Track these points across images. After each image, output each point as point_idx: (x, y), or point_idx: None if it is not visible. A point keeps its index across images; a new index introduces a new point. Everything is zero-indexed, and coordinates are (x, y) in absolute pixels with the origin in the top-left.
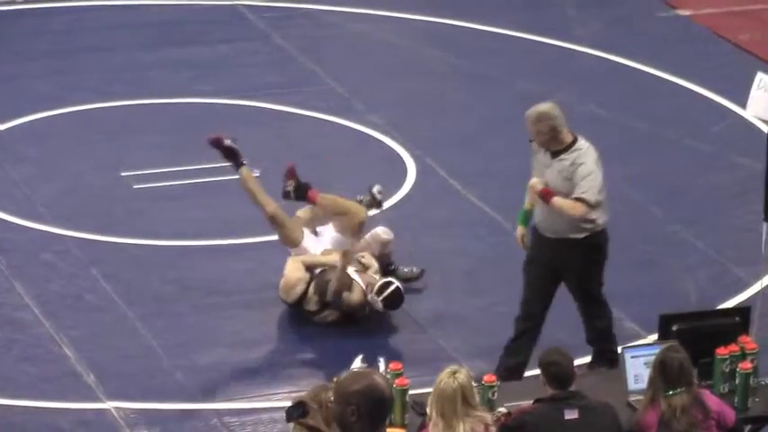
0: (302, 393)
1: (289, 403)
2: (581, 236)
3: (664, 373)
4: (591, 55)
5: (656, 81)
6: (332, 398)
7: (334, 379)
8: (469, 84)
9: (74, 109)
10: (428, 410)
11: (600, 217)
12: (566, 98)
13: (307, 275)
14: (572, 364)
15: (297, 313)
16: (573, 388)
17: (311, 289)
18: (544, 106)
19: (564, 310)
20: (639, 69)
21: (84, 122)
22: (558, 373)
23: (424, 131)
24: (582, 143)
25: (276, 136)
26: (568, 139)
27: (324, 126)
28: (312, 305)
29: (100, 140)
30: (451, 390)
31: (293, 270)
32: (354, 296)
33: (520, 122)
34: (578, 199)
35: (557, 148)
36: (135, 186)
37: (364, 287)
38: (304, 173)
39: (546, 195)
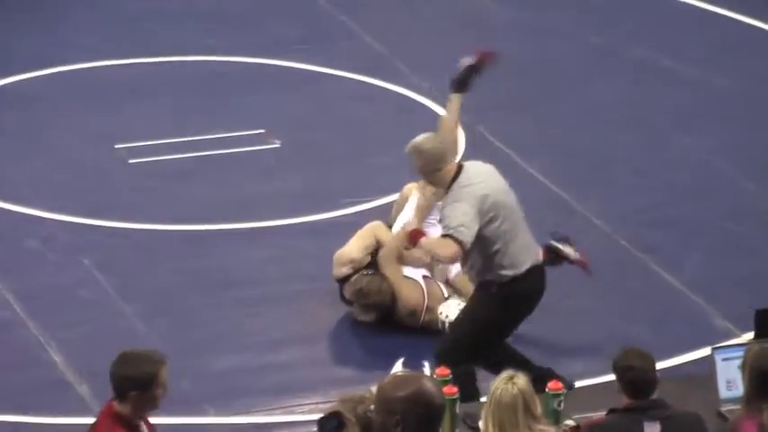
0: (334, 404)
1: (318, 416)
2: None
3: (762, 382)
4: (671, 1)
5: (751, 31)
6: (372, 407)
7: (375, 386)
8: (531, 39)
9: (59, 69)
10: (482, 424)
11: (508, 264)
12: (641, 53)
13: (364, 259)
14: (654, 367)
15: (332, 308)
16: (654, 396)
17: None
18: (419, 140)
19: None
20: (731, 17)
21: (71, 86)
22: (637, 380)
23: (477, 95)
24: (463, 178)
25: (302, 101)
26: (448, 177)
27: (359, 89)
28: (348, 294)
29: (90, 107)
30: (510, 397)
31: (354, 247)
32: (404, 302)
33: (590, 83)
34: (445, 236)
35: (440, 187)
36: (131, 161)
37: (425, 294)
38: (336, 143)
39: (414, 237)
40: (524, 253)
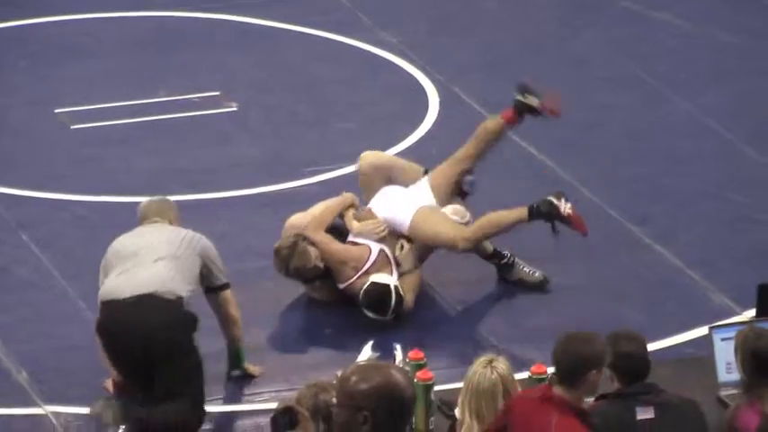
0: (293, 394)
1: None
2: None
3: (761, 365)
4: None
5: None
6: (334, 400)
7: (337, 375)
8: None
9: None
10: (458, 412)
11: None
12: (631, 5)
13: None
14: (646, 349)
15: (293, 288)
16: (647, 380)
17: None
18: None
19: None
20: None
21: (4, 45)
22: (631, 365)
23: (449, 52)
24: None
25: (260, 59)
26: None
27: (323, 46)
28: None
29: (26, 68)
30: (489, 383)
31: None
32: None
33: (568, 40)
34: None
35: None
36: (73, 127)
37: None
38: (298, 106)
39: None
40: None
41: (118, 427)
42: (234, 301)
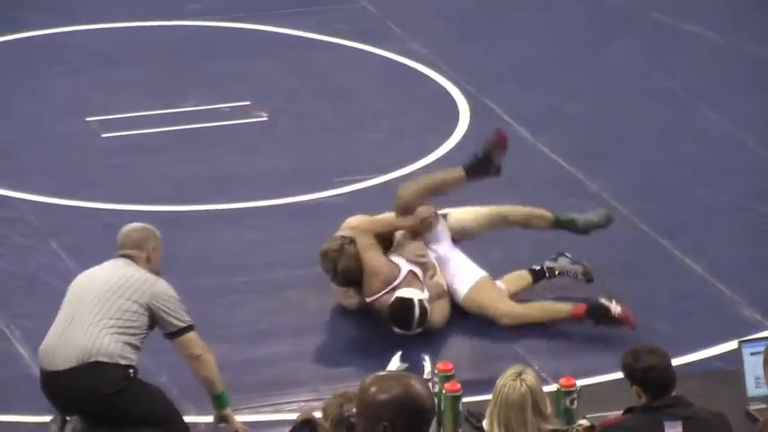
0: (319, 404)
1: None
2: None
3: None
4: None
5: None
6: (354, 410)
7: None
8: (541, 2)
9: (25, 35)
10: (486, 424)
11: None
12: (662, 17)
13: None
14: (670, 362)
15: (321, 298)
16: (674, 393)
17: None
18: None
19: None
20: None
21: (38, 52)
22: (656, 380)
23: (479, 63)
24: None
25: (290, 69)
26: None
27: (352, 56)
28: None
29: (58, 75)
30: (519, 395)
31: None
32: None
33: (599, 51)
34: None
35: None
36: (104, 135)
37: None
38: (328, 116)
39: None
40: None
41: None
42: (197, 344)
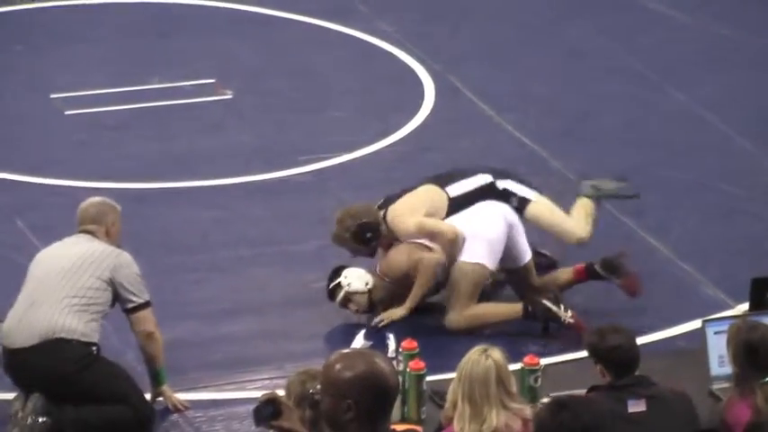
0: (283, 381)
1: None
2: None
3: (753, 358)
4: None
5: None
6: (319, 388)
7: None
8: None
9: None
10: (449, 398)
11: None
12: None
13: None
14: (635, 341)
15: (285, 276)
16: (637, 372)
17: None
18: None
19: None
20: None
21: (0, 29)
22: (621, 359)
23: (445, 42)
24: None
25: (255, 47)
26: None
27: (318, 34)
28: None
29: (22, 53)
30: (483, 368)
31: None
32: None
33: (563, 30)
34: None
35: None
36: (68, 112)
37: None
38: (293, 94)
39: None
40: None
41: (36, 419)
42: (151, 321)
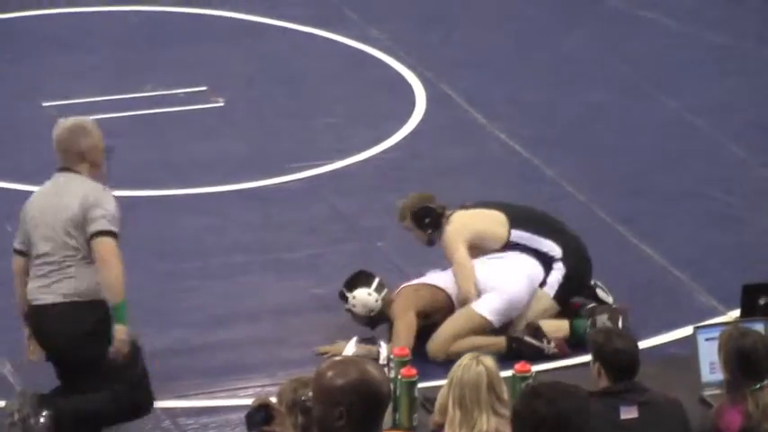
0: (275, 389)
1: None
2: None
3: (745, 364)
4: None
5: None
6: (311, 395)
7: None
8: None
9: None
10: (439, 403)
11: None
12: (620, 4)
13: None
14: (637, 348)
15: (277, 283)
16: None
17: None
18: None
19: None
20: None
21: None
22: (624, 363)
23: (437, 49)
24: None
25: (246, 54)
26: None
27: (309, 42)
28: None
29: (13, 60)
30: (474, 374)
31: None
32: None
33: (556, 38)
34: None
35: None
36: (61, 120)
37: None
38: (284, 102)
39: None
40: None
41: (37, 417)
42: (112, 250)
